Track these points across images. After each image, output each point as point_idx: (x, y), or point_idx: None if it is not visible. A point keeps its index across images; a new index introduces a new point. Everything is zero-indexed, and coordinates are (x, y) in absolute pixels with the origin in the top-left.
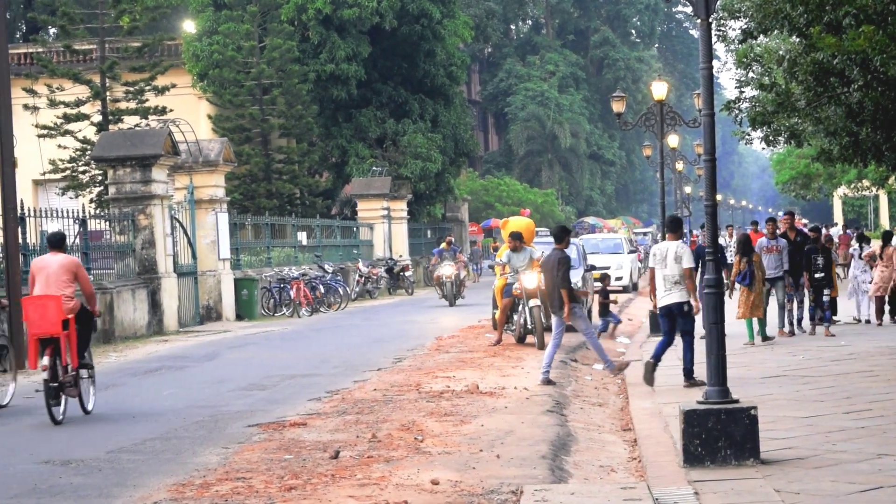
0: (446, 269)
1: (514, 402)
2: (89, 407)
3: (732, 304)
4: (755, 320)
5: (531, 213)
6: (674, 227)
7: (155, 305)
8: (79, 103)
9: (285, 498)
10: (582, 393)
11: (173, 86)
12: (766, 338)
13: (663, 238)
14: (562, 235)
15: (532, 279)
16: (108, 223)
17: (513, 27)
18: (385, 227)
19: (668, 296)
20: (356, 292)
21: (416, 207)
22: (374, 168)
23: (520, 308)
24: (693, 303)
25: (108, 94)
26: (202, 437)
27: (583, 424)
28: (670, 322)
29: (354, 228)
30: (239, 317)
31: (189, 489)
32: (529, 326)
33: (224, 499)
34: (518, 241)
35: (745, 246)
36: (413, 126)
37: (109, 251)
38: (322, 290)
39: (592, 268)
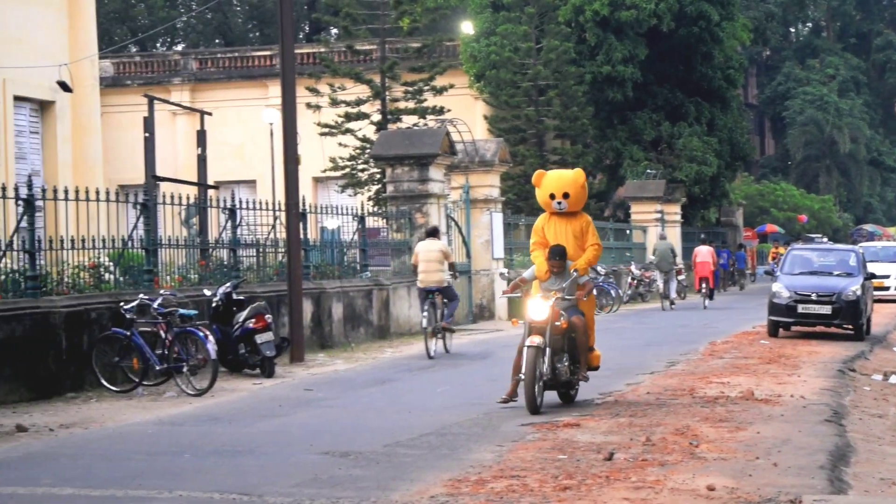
0: None
1: (790, 410)
2: None
3: None
4: None
5: (808, 219)
6: None
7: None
8: (359, 102)
9: (560, 498)
10: (860, 403)
11: (451, 86)
12: None
13: None
14: None
15: (541, 309)
16: (385, 221)
17: (792, 30)
18: (658, 230)
19: None
20: (628, 295)
21: (689, 211)
22: (648, 171)
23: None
24: None
25: (387, 93)
26: (476, 433)
27: (862, 435)
28: None
29: (627, 231)
30: (511, 316)
31: (465, 485)
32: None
33: (499, 496)
34: (562, 260)
35: None
36: (688, 129)
37: (386, 248)
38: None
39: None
